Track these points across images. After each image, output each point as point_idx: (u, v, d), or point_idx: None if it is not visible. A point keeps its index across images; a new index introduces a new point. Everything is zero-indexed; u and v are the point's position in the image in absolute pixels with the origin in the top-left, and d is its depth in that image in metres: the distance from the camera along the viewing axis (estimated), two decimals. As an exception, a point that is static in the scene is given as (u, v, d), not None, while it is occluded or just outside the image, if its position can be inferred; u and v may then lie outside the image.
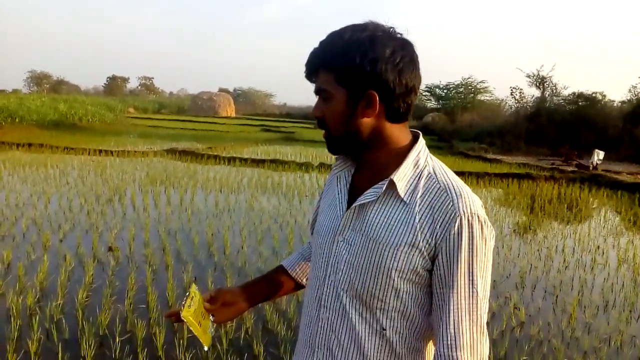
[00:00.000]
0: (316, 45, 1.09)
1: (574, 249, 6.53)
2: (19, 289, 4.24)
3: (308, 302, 1.21)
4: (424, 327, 1.11)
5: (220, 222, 6.93)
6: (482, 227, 1.03)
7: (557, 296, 4.80)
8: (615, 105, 24.36)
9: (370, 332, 1.09)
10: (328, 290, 1.14)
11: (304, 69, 1.12)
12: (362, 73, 1.03)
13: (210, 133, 25.04)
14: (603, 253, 6.37)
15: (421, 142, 1.13)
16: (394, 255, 1.04)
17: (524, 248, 6.49)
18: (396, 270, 1.04)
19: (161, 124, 29.20)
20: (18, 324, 3.61)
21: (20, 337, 3.48)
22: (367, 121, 1.08)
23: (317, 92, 1.11)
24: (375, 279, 1.05)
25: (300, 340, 1.24)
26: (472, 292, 1.03)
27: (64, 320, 3.72)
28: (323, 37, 1.09)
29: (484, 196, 9.96)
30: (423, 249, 1.03)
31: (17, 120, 20.64)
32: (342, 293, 1.11)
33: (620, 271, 5.66)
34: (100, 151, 14.29)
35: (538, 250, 6.40)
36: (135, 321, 3.68)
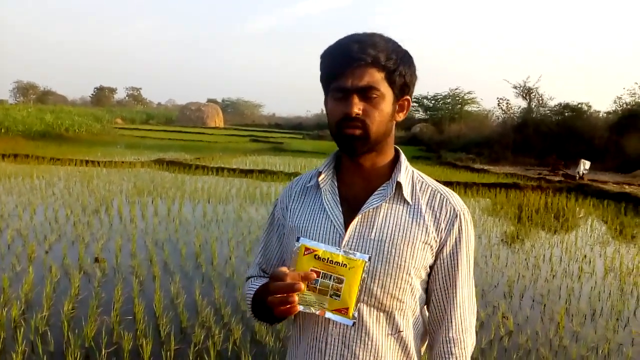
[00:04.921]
0: (322, 48, 1.08)
1: (561, 258, 6.57)
2: (4, 301, 4.16)
3: (309, 321, 1.14)
4: (421, 322, 1.18)
5: (208, 233, 6.89)
6: (470, 218, 1.15)
7: (545, 305, 4.82)
8: (600, 115, 24.76)
9: (386, 337, 1.11)
10: None
11: (337, 61, 1.05)
12: (406, 80, 1.10)
13: (199, 143, 25.00)
14: (590, 262, 6.42)
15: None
16: (412, 254, 1.08)
17: (511, 257, 6.52)
18: (414, 267, 1.09)
19: (149, 134, 29.12)
20: (2, 336, 3.54)
21: (5, 349, 3.42)
22: (394, 125, 1.15)
23: (361, 89, 1.05)
24: (396, 280, 1.08)
25: None
26: (469, 279, 1.15)
27: (49, 332, 3.65)
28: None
29: (472, 206, 10.01)
30: (433, 245, 1.11)
31: (2, 130, 20.49)
32: (358, 304, 1.08)
33: (607, 280, 5.70)
34: (87, 162, 14.18)
35: (526, 259, 6.43)
36: (122, 333, 3.63)
